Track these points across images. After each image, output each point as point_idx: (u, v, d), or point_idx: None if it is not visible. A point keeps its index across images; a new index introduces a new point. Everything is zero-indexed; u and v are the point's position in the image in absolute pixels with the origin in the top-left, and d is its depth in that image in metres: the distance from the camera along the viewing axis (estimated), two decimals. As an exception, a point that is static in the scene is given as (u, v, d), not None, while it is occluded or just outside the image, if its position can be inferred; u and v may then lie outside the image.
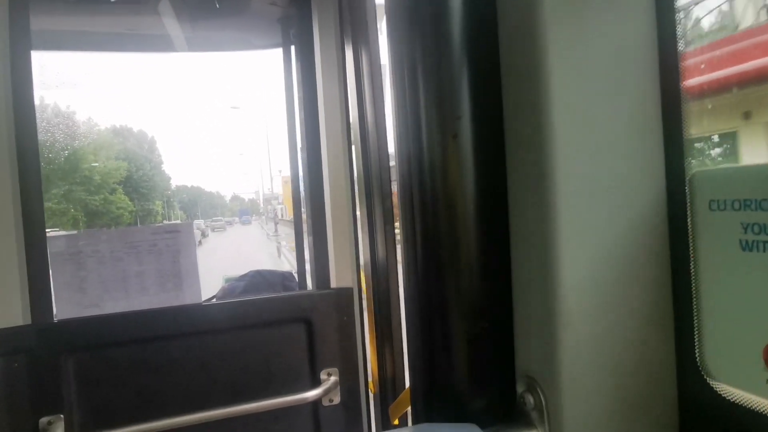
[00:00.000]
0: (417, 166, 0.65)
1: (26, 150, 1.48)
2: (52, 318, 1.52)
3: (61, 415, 1.45)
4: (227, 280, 2.35)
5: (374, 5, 1.72)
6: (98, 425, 1.49)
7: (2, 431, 1.40)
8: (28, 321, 1.45)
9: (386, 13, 0.70)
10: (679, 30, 0.55)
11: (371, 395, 1.84)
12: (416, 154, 0.65)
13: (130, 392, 1.54)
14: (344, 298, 1.73)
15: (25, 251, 1.45)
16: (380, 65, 1.71)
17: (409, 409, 1.60)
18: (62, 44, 2.18)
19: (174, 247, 1.61)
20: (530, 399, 0.61)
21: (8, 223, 1.42)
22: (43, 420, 1.44)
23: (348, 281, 1.75)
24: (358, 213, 1.81)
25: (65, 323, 1.52)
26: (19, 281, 1.43)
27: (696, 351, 0.57)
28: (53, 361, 1.45)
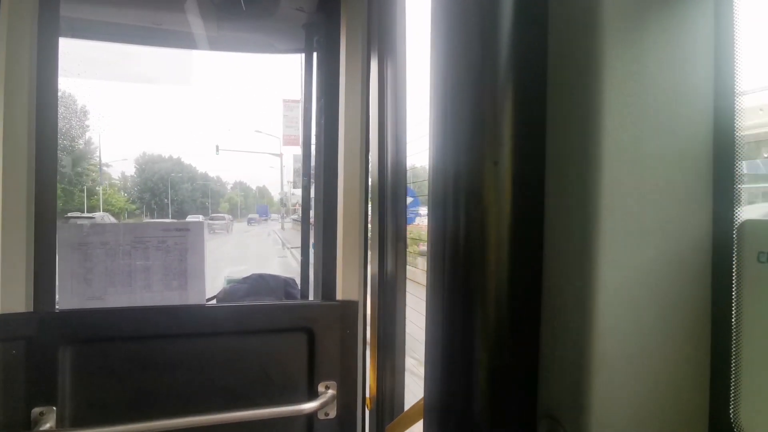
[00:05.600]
0: (452, 190, 0.64)
1: (45, 136, 1.47)
2: (54, 307, 1.50)
3: (54, 407, 1.43)
4: (229, 282, 2.33)
5: (405, 18, 1.72)
6: (90, 420, 1.46)
7: None
8: (30, 308, 1.43)
9: (430, 31, 0.69)
10: (738, 76, 0.54)
11: (367, 412, 1.81)
12: (453, 178, 0.63)
13: (125, 389, 1.51)
14: (349, 311, 1.71)
15: (34, 239, 1.43)
16: (405, 79, 1.71)
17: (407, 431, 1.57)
18: (88, 33, 2.19)
19: (182, 246, 1.59)
20: None
21: (21, 210, 1.41)
22: (36, 410, 1.41)
23: (354, 294, 1.73)
24: (369, 226, 1.80)
25: (67, 314, 1.50)
26: (25, 268, 1.41)
27: (730, 406, 0.55)
28: (51, 351, 1.43)
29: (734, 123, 0.54)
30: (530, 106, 0.61)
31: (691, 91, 0.54)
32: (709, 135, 0.55)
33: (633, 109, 0.53)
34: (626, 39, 0.53)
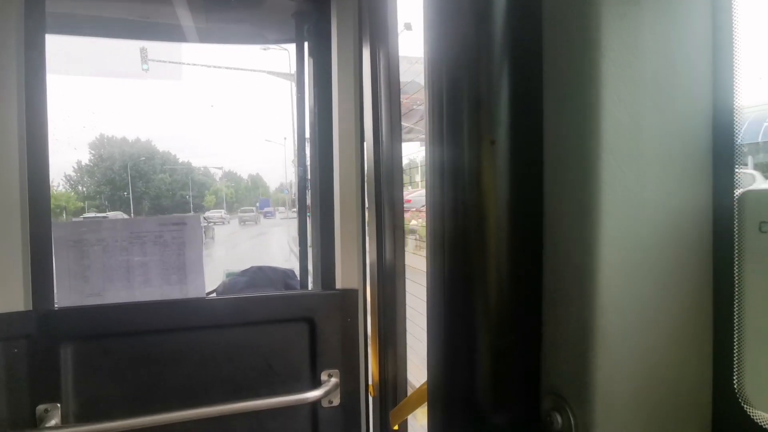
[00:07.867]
0: (450, 170, 0.63)
1: (36, 134, 1.45)
2: (53, 305, 1.49)
3: (58, 404, 1.43)
4: (228, 275, 2.33)
5: (396, 2, 1.70)
6: (94, 416, 1.47)
7: (0, 417, 1.38)
8: (29, 307, 1.42)
9: (423, 10, 0.68)
10: (736, 46, 0.53)
11: (371, 398, 1.82)
12: (450, 158, 0.63)
13: (129, 384, 1.51)
14: (349, 299, 1.71)
15: (30, 237, 1.43)
16: (398, 65, 1.69)
17: (410, 416, 1.57)
18: (75, 29, 2.15)
19: (180, 240, 1.58)
20: (558, 418, 0.58)
21: (14, 209, 1.40)
22: (40, 408, 1.41)
23: (354, 283, 1.73)
24: (366, 214, 1.79)
25: (66, 311, 1.49)
26: (22, 267, 1.41)
27: (734, 376, 0.55)
28: (52, 349, 1.43)
29: (733, 93, 0.53)
30: (526, 83, 0.60)
31: (690, 62, 0.54)
32: (708, 106, 0.55)
33: (631, 82, 0.53)
34: (622, 12, 0.52)
